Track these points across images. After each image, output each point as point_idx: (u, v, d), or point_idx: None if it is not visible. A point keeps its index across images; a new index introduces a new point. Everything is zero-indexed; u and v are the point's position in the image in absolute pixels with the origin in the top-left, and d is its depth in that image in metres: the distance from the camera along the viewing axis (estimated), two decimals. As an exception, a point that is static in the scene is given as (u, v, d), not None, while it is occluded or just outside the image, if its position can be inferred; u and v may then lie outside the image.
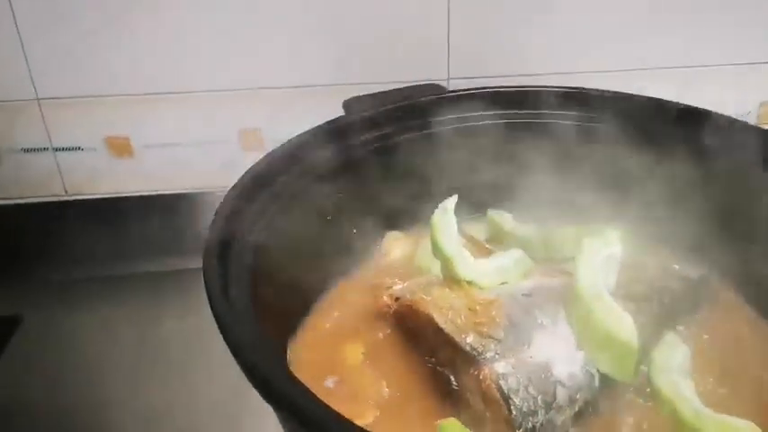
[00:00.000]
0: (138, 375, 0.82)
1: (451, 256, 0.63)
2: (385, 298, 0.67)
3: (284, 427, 0.52)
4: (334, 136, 0.73)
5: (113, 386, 0.81)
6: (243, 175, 0.65)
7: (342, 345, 0.66)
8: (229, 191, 0.62)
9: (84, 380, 0.82)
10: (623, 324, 0.56)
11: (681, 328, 0.65)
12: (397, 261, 0.75)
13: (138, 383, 0.81)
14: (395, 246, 0.77)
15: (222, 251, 0.57)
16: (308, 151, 0.71)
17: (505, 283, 0.63)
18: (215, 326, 0.51)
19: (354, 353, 0.65)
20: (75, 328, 0.89)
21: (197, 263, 0.96)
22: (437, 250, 0.64)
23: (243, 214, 0.62)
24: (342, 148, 0.73)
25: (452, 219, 0.66)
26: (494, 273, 0.63)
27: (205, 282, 0.54)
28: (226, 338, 0.50)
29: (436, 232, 0.64)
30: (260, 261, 0.60)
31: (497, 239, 0.77)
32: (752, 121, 1.03)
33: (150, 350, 0.85)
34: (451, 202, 0.68)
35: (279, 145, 0.70)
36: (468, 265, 0.63)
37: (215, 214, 0.60)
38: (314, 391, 0.45)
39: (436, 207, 0.74)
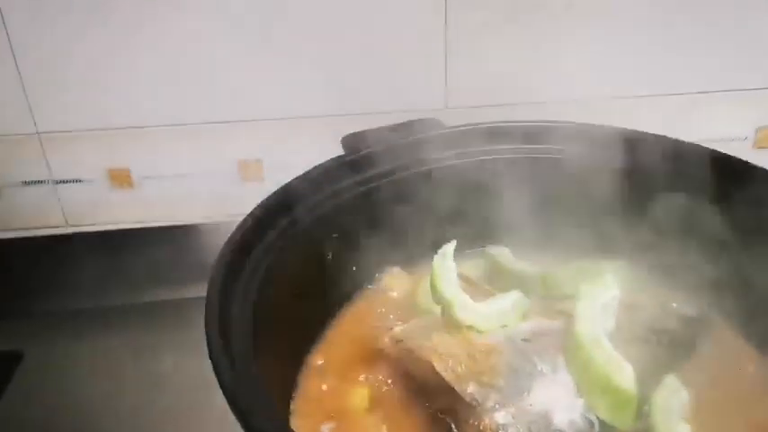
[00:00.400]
0: (140, 410, 0.82)
1: (451, 301, 0.63)
2: (386, 339, 0.67)
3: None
4: (332, 176, 0.74)
5: (115, 421, 0.81)
6: (241, 222, 0.65)
7: (345, 389, 0.66)
8: (227, 240, 0.63)
9: (85, 415, 0.82)
10: (623, 372, 0.56)
11: (681, 369, 0.65)
12: (398, 298, 0.76)
13: (140, 418, 0.81)
14: (395, 283, 0.77)
15: (222, 299, 0.57)
16: (305, 192, 0.71)
17: (505, 326, 0.64)
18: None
19: (359, 397, 0.65)
20: (76, 361, 0.89)
21: (197, 292, 0.96)
22: (437, 295, 0.65)
23: (241, 262, 0.62)
24: (340, 189, 0.74)
25: (452, 264, 0.67)
26: (493, 316, 0.64)
27: (206, 332, 0.54)
28: (226, 397, 0.50)
29: (436, 278, 0.65)
30: (261, 305, 0.61)
31: (495, 276, 0.77)
32: (749, 146, 1.04)
33: (150, 386, 0.84)
34: (451, 247, 0.69)
35: (280, 177, 0.70)
36: (468, 310, 0.63)
37: (214, 264, 0.60)
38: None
39: (435, 243, 0.75)
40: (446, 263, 0.66)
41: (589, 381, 0.57)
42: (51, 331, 0.93)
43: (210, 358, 0.53)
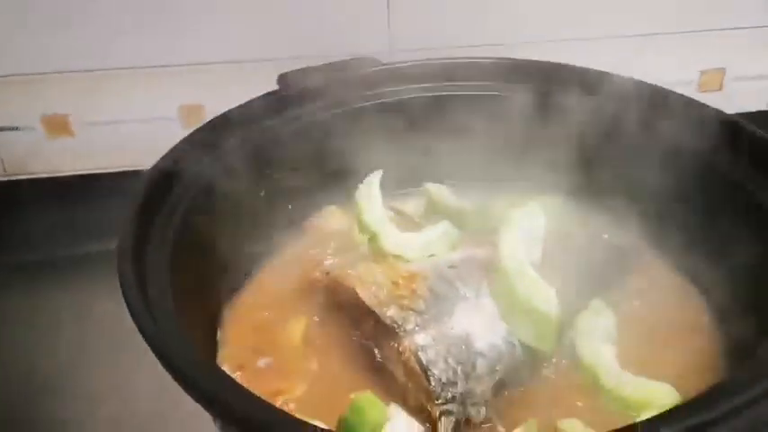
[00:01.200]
0: (75, 359, 0.81)
1: (376, 232, 0.63)
2: (317, 273, 0.67)
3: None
4: (267, 110, 0.73)
5: (53, 368, 0.80)
6: (169, 151, 0.64)
7: (278, 323, 0.65)
8: (153, 165, 0.61)
9: (23, 361, 0.81)
10: (544, 296, 0.56)
11: (610, 296, 0.65)
12: (333, 236, 0.75)
13: (78, 365, 0.80)
14: (331, 220, 0.77)
15: (139, 233, 0.56)
16: (240, 126, 0.71)
17: (433, 255, 0.64)
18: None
19: (292, 331, 0.65)
20: (13, 311, 0.88)
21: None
22: (362, 226, 0.64)
23: (166, 191, 0.62)
24: (274, 124, 0.73)
25: (377, 194, 0.67)
26: (419, 246, 0.64)
27: (120, 276, 0.53)
28: (145, 338, 0.49)
29: (360, 209, 0.65)
30: (182, 243, 0.60)
31: (434, 212, 0.76)
32: (693, 89, 1.04)
33: (87, 333, 0.83)
34: (376, 176, 0.68)
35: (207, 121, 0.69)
36: (393, 239, 0.63)
37: (135, 190, 0.59)
38: (247, 372, 0.44)
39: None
40: (371, 192, 0.67)
41: (510, 305, 0.57)
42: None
43: (126, 303, 0.52)
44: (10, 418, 0.75)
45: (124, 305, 0.84)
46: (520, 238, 0.60)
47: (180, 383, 0.47)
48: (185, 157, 0.65)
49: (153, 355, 0.77)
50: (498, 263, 0.58)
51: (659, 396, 0.54)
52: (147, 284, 0.54)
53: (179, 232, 0.60)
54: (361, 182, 0.72)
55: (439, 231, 0.66)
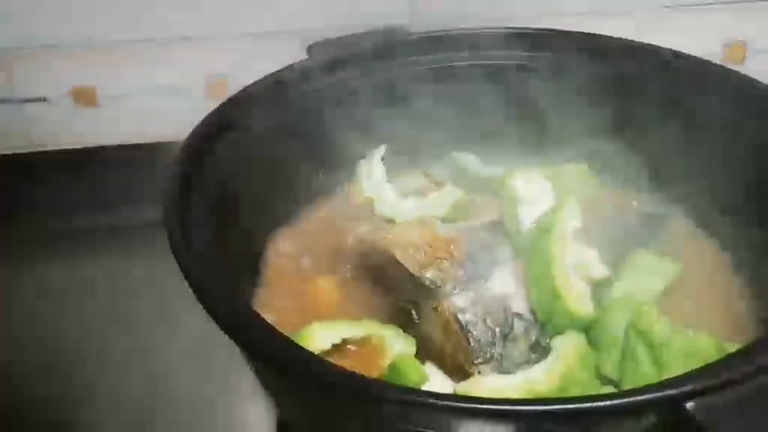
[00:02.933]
0: (108, 326, 0.82)
1: (372, 197, 0.68)
2: (349, 239, 0.68)
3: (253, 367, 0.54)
4: (296, 80, 0.73)
5: (86, 335, 0.81)
6: (203, 120, 0.65)
7: (309, 283, 0.67)
8: (189, 135, 0.63)
9: (55, 331, 0.82)
10: (581, 298, 0.57)
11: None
12: (362, 206, 0.76)
13: (110, 332, 0.81)
14: (359, 191, 0.78)
15: (182, 195, 0.57)
16: (269, 96, 0.71)
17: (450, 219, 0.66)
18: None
19: (326, 290, 0.67)
20: (44, 281, 0.89)
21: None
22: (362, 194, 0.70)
23: (203, 157, 0.62)
24: (304, 93, 0.74)
25: (378, 163, 0.72)
26: (409, 209, 0.68)
27: (166, 226, 0.55)
28: (188, 281, 0.50)
29: (359, 176, 0.71)
30: (222, 204, 0.61)
31: (462, 181, 0.77)
32: (717, 61, 1.04)
33: (119, 301, 0.85)
34: (378, 152, 0.73)
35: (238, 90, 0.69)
36: (387, 204, 0.67)
37: (176, 156, 0.60)
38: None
39: (401, 149, 0.77)
40: (372, 166, 0.72)
41: (544, 296, 0.57)
42: (19, 251, 0.93)
43: (171, 247, 0.53)
44: (43, 387, 0.76)
45: (155, 272, 0.86)
46: (565, 240, 0.59)
47: (217, 322, 0.48)
48: (222, 122, 0.66)
49: (185, 324, 0.80)
50: (540, 258, 0.58)
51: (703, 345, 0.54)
52: (192, 233, 0.55)
53: (216, 194, 0.61)
54: (397, 153, 0.74)
55: (436, 196, 0.68)
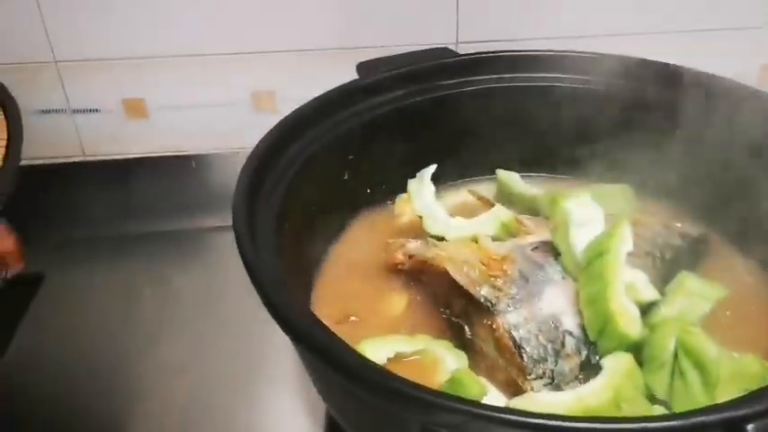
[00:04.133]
0: (154, 330, 0.85)
1: (423, 215, 0.70)
2: (399, 255, 0.70)
3: (304, 361, 0.55)
4: (348, 99, 0.75)
5: (133, 341, 0.84)
6: (261, 140, 0.67)
7: (362, 297, 0.69)
8: (251, 153, 0.65)
9: (104, 337, 0.85)
10: (632, 321, 0.58)
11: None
12: (409, 222, 0.78)
13: (157, 339, 0.83)
14: (407, 208, 0.79)
15: (249, 200, 0.60)
16: (322, 114, 0.74)
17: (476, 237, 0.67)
18: (229, 282, 0.54)
19: (379, 303, 0.69)
20: (95, 286, 0.92)
21: (209, 222, 0.99)
22: (414, 212, 0.71)
23: (264, 174, 0.65)
24: (355, 112, 0.76)
25: (428, 185, 0.73)
26: (459, 228, 0.70)
27: (234, 229, 0.57)
28: (251, 277, 0.53)
29: (411, 195, 0.72)
30: (283, 213, 0.64)
31: (506, 200, 0.79)
32: (751, 83, 1.05)
33: (165, 306, 0.87)
34: (429, 171, 0.74)
35: (294, 108, 0.72)
36: (439, 223, 0.69)
37: (240, 173, 0.62)
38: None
39: (447, 168, 0.79)
40: (422, 180, 0.73)
41: (595, 317, 0.58)
42: (71, 256, 0.95)
43: (239, 249, 0.55)
44: (92, 389, 0.79)
45: (201, 278, 0.89)
46: (620, 265, 0.60)
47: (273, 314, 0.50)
48: (281, 138, 0.68)
49: (230, 328, 0.82)
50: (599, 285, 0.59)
51: (749, 367, 0.55)
52: (257, 238, 0.57)
53: (279, 204, 0.64)
54: (443, 171, 0.77)
55: (486, 216, 0.70)
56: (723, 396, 0.53)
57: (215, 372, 0.79)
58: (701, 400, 0.53)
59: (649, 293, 0.60)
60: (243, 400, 0.76)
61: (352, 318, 0.66)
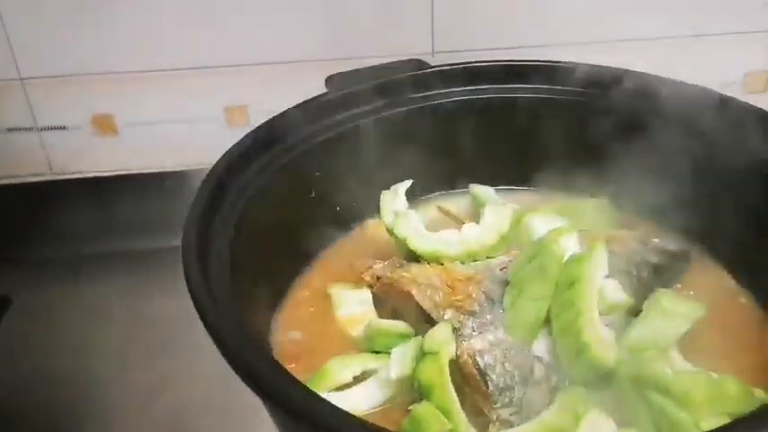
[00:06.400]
0: (127, 353, 0.83)
1: (405, 235, 0.66)
2: (366, 278, 0.67)
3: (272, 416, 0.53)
4: (315, 113, 0.73)
5: (103, 364, 0.82)
6: (220, 158, 0.65)
7: (329, 317, 0.67)
8: (207, 174, 0.62)
9: (73, 359, 0.83)
10: (605, 347, 0.55)
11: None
12: (381, 241, 0.75)
13: (127, 361, 0.82)
14: (374, 229, 0.77)
15: (200, 234, 0.57)
16: (287, 130, 0.71)
17: (474, 252, 0.65)
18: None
19: (346, 324, 0.67)
20: (64, 306, 0.90)
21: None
22: (389, 231, 0.68)
23: (221, 196, 0.62)
24: (323, 126, 0.73)
25: (401, 200, 0.71)
26: (458, 242, 0.66)
27: (184, 267, 0.55)
28: (207, 328, 0.50)
29: (383, 215, 0.69)
30: (239, 241, 0.61)
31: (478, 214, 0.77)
32: (737, 90, 1.03)
33: (138, 328, 0.85)
34: (404, 186, 0.72)
35: (259, 124, 0.69)
36: (430, 239, 0.66)
37: (196, 193, 0.60)
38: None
39: (420, 183, 0.76)
40: (396, 198, 0.71)
41: (569, 347, 0.56)
42: (38, 277, 0.94)
43: (192, 296, 0.53)
44: (65, 411, 0.77)
45: (173, 299, 0.86)
46: (594, 291, 0.57)
47: (239, 374, 0.48)
48: (242, 156, 0.66)
49: (203, 350, 0.79)
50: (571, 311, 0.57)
51: (729, 389, 0.53)
52: (209, 272, 0.56)
53: (237, 226, 0.61)
54: (416, 187, 0.75)
55: (480, 230, 0.67)
56: (704, 417, 0.51)
57: (189, 395, 0.77)
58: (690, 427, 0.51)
59: (619, 297, 0.58)
60: (217, 425, 0.75)
61: (316, 343, 0.64)
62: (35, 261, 0.96)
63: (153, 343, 0.84)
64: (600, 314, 0.56)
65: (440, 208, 0.75)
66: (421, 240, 0.66)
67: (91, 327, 0.87)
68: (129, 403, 0.77)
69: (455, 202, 0.80)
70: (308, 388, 0.46)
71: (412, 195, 0.75)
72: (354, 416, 0.44)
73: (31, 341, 0.86)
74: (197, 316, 0.51)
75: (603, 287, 0.58)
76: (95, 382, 0.80)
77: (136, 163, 1.01)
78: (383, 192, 0.73)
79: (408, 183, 0.74)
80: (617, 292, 0.59)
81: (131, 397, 0.78)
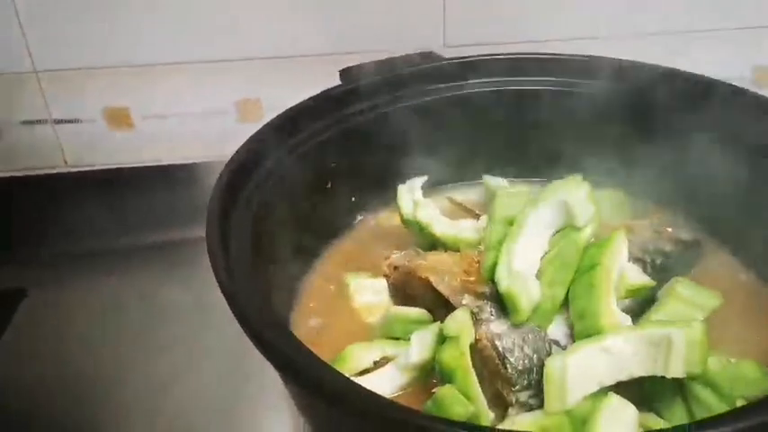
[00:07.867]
0: (142, 346, 0.83)
1: (426, 222, 0.67)
2: (384, 268, 0.68)
3: (290, 390, 0.54)
4: (331, 105, 0.74)
5: (118, 357, 0.82)
6: (241, 146, 0.65)
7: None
8: (228, 162, 0.63)
9: (88, 351, 0.83)
10: None
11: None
12: (396, 231, 0.76)
13: (142, 354, 0.82)
14: (391, 219, 0.78)
15: (222, 220, 0.58)
16: (305, 121, 0.72)
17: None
18: (215, 294, 0.52)
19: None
20: (78, 299, 0.90)
21: (196, 233, 0.97)
22: (405, 221, 0.69)
23: (242, 184, 0.63)
24: (339, 118, 0.74)
25: (418, 192, 0.72)
26: (474, 228, 0.67)
27: (209, 251, 0.55)
28: (231, 306, 0.51)
29: (401, 205, 0.70)
30: (258, 231, 0.62)
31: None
32: (746, 84, 1.03)
33: (153, 320, 0.85)
34: (420, 180, 0.73)
35: (277, 114, 0.70)
36: (447, 226, 0.67)
37: (215, 184, 0.61)
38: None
39: (434, 174, 0.77)
40: (413, 188, 0.72)
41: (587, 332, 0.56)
42: (53, 269, 0.94)
43: (213, 268, 0.53)
44: (77, 406, 0.77)
45: (189, 292, 0.86)
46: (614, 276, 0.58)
47: (254, 342, 0.49)
48: (262, 145, 0.67)
49: (217, 343, 0.80)
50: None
51: (748, 373, 0.54)
52: (230, 259, 0.56)
53: (256, 216, 0.62)
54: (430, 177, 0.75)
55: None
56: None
57: (201, 388, 0.77)
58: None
59: (642, 278, 0.59)
60: (228, 417, 0.74)
61: (335, 330, 0.64)
62: (49, 253, 0.96)
63: (168, 335, 0.83)
64: (617, 299, 0.57)
65: (450, 199, 0.76)
66: (442, 226, 0.68)
67: (104, 319, 0.86)
68: (142, 395, 0.77)
69: (464, 194, 0.81)
70: (324, 362, 0.46)
71: (427, 186, 0.76)
72: (391, 400, 0.44)
73: (45, 334, 0.86)
74: (212, 309, 0.51)
75: (625, 270, 0.59)
76: (108, 375, 0.80)
77: (149, 156, 1.02)
78: (400, 185, 0.74)
79: (424, 178, 0.75)
80: (640, 275, 0.60)
81: (145, 389, 0.78)
